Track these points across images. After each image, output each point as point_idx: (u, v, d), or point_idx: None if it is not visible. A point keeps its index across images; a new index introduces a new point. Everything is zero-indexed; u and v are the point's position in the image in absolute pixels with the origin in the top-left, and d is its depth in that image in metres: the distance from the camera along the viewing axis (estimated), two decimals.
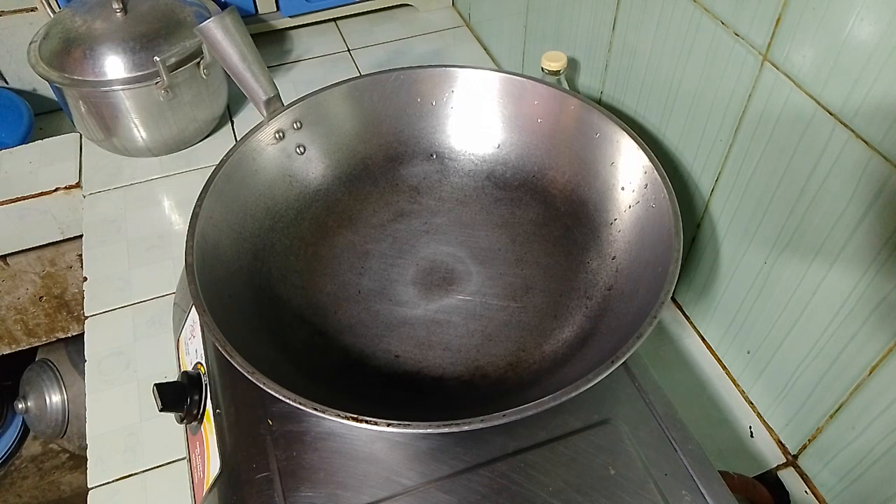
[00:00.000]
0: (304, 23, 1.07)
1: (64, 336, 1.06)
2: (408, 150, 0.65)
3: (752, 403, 0.62)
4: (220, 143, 0.89)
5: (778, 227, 0.52)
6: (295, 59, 1.03)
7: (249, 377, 0.40)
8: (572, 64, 0.74)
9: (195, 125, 0.85)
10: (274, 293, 0.54)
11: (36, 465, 1.29)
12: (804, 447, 0.56)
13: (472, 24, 1.06)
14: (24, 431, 1.30)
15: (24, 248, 0.89)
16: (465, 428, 0.38)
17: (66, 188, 0.84)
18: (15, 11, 0.95)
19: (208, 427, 0.50)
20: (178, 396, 0.51)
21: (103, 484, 0.59)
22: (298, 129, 0.60)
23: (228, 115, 0.93)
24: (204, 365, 0.52)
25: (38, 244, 0.90)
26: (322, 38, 1.06)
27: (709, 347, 0.66)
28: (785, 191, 0.50)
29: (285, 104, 0.59)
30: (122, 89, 0.76)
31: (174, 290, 0.71)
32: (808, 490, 0.56)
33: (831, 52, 0.43)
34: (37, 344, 1.05)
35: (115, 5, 0.77)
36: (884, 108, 0.40)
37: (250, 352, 0.43)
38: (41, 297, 0.99)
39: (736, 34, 0.50)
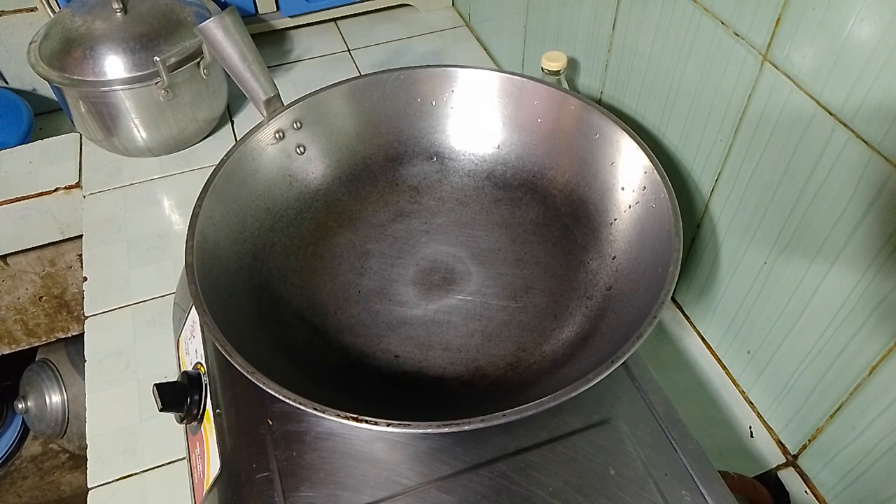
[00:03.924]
0: (304, 23, 1.07)
1: (64, 336, 1.06)
2: (408, 150, 0.65)
3: (752, 403, 0.62)
4: (220, 143, 0.89)
5: (778, 227, 0.52)
6: (295, 59, 1.03)
7: (249, 377, 0.40)
8: (572, 64, 0.74)
9: (195, 125, 0.85)
10: (274, 293, 0.54)
11: (36, 465, 1.29)
12: (804, 447, 0.56)
13: (472, 24, 1.06)
14: (24, 431, 1.30)
15: (24, 248, 0.89)
16: (465, 428, 0.38)
17: (66, 188, 0.84)
18: (15, 11, 0.95)
19: (208, 427, 0.50)
20: (178, 396, 0.51)
21: (103, 484, 0.59)
22: (298, 129, 0.60)
23: (228, 115, 0.93)
24: (204, 365, 0.52)
25: (38, 244, 0.90)
26: (322, 38, 1.06)
27: (709, 347, 0.66)
28: (785, 191, 0.50)
29: (285, 104, 0.59)
30: (122, 89, 0.76)
31: (174, 290, 0.71)
32: (808, 490, 0.56)
33: (831, 52, 0.43)
34: (37, 344, 1.05)
35: (115, 5, 0.77)
36: (884, 108, 0.40)
37: (250, 352, 0.43)
38: (41, 297, 0.99)
39: (736, 34, 0.50)
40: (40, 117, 1.03)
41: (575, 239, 0.58)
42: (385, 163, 0.65)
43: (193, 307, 0.50)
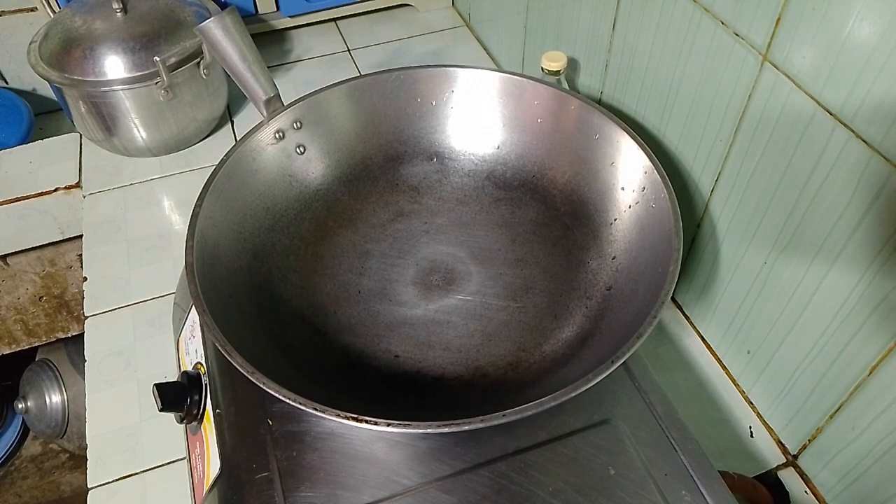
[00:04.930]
0: (304, 23, 1.07)
1: (64, 336, 1.06)
2: (408, 150, 0.65)
3: (752, 403, 0.62)
4: (220, 143, 0.89)
5: (778, 227, 0.52)
6: (295, 59, 1.03)
7: (249, 377, 0.40)
8: (572, 64, 0.74)
9: (195, 125, 0.85)
10: (274, 293, 0.54)
11: (36, 465, 1.29)
12: (804, 447, 0.56)
13: (472, 24, 1.06)
14: (24, 431, 1.30)
15: (24, 248, 0.89)
16: (465, 428, 0.38)
17: (66, 188, 0.84)
18: (15, 11, 0.95)
19: (208, 427, 0.50)
20: (178, 396, 0.51)
21: (103, 484, 0.59)
22: (298, 129, 0.60)
23: (228, 115, 0.93)
24: (204, 365, 0.52)
25: (38, 244, 0.90)
26: (322, 38, 1.06)
27: (709, 347, 0.66)
28: (785, 191, 0.50)
29: (285, 104, 0.59)
30: (122, 89, 0.76)
31: (174, 290, 0.71)
32: (808, 490, 0.56)
33: (831, 52, 0.43)
34: (37, 344, 1.05)
35: (115, 5, 0.77)
36: (884, 108, 0.40)
37: (250, 352, 0.43)
38: (41, 297, 0.99)
39: (736, 34, 0.50)
40: (40, 117, 1.03)
41: (575, 239, 0.58)
42: (385, 163, 0.65)
43: (193, 307, 0.50)
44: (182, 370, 0.57)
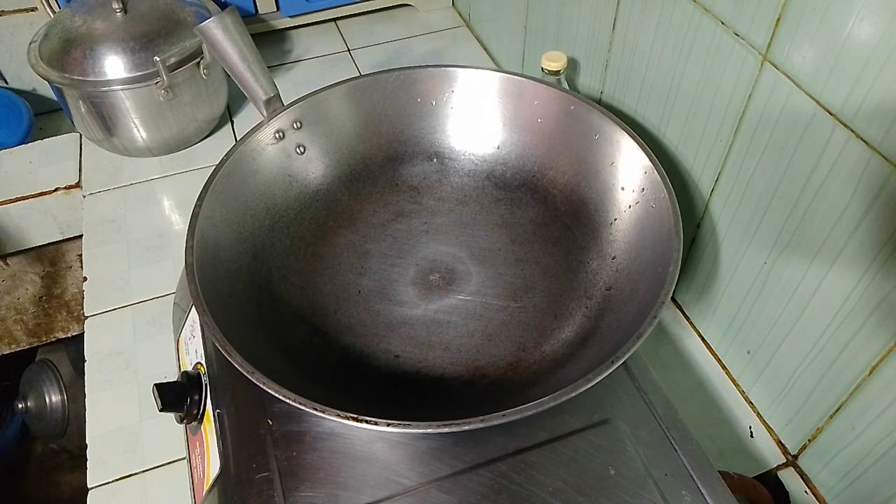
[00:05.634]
0: (304, 23, 1.07)
1: (64, 336, 1.06)
2: (408, 150, 0.65)
3: (752, 403, 0.62)
4: (220, 143, 0.89)
5: (778, 227, 0.52)
6: (295, 59, 1.03)
7: (249, 377, 0.40)
8: (572, 64, 0.74)
9: (195, 125, 0.85)
10: (274, 293, 0.54)
11: (36, 465, 1.29)
12: (804, 447, 0.56)
13: (472, 24, 1.06)
14: (24, 431, 1.30)
15: (24, 248, 0.89)
16: (465, 428, 0.38)
17: (66, 188, 0.84)
18: (15, 11, 0.95)
19: (208, 427, 0.50)
20: (178, 396, 0.51)
21: (103, 484, 0.59)
22: (298, 128, 0.60)
23: (228, 115, 0.93)
24: (204, 365, 0.52)
25: (38, 244, 0.90)
26: (322, 38, 1.06)
27: (709, 347, 0.66)
28: (785, 191, 0.50)
29: (285, 104, 0.59)
30: (122, 89, 0.76)
31: (174, 290, 0.71)
32: (808, 490, 0.56)
33: (831, 52, 0.43)
34: (37, 344, 1.05)
35: (115, 5, 0.77)
36: (884, 108, 0.40)
37: (250, 352, 0.43)
38: (41, 297, 0.99)
39: (736, 34, 0.50)
40: (40, 117, 1.03)
41: (575, 239, 0.58)
42: (385, 163, 0.65)
43: (193, 307, 0.50)
44: (182, 370, 0.57)
